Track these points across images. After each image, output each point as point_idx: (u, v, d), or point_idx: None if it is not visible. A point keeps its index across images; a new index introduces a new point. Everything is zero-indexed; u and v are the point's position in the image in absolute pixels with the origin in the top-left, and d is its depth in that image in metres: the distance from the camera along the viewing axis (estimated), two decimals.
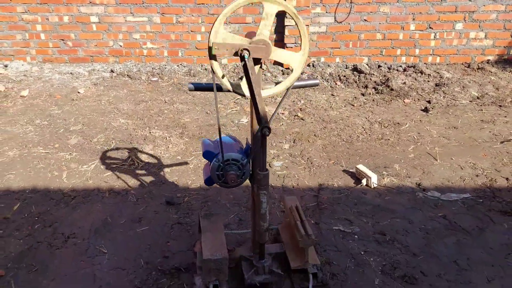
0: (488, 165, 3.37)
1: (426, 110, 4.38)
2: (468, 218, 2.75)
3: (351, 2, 5.31)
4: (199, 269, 2.26)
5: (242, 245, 2.51)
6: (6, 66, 5.41)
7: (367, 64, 5.52)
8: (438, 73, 5.22)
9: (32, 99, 4.58)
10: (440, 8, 5.40)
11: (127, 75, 5.23)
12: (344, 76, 5.21)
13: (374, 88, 4.93)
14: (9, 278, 2.28)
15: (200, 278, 2.23)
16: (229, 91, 1.86)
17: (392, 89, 4.81)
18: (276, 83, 1.92)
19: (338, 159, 3.48)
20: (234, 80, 4.94)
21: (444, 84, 4.91)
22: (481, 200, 2.94)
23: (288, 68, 5.48)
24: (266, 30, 1.74)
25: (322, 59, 5.63)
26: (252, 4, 1.73)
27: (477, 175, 3.23)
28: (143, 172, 3.28)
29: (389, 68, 5.38)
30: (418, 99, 4.64)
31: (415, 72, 5.25)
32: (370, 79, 5.10)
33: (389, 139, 3.81)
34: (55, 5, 5.31)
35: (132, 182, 3.15)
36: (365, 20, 5.43)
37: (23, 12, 5.35)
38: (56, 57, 5.60)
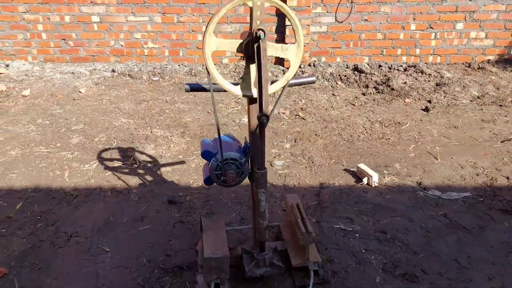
0: (488, 164, 3.38)
1: (426, 109, 4.39)
2: (468, 217, 2.76)
3: (351, 2, 5.33)
4: (200, 268, 2.27)
5: (244, 243, 2.52)
6: (7, 65, 5.43)
7: (367, 64, 5.53)
8: (438, 72, 5.23)
9: (33, 99, 4.60)
10: (441, 8, 5.42)
11: (128, 75, 5.25)
12: (345, 75, 5.23)
13: (374, 87, 4.95)
14: (12, 277, 2.30)
15: (202, 277, 2.24)
16: (223, 91, 1.87)
17: (392, 89, 4.82)
18: (272, 82, 1.93)
19: (339, 158, 3.49)
20: (235, 80, 4.97)
21: (445, 83, 4.92)
22: (482, 199, 2.95)
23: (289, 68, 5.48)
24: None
25: (323, 59, 5.64)
26: (239, 5, 1.72)
27: (477, 174, 3.24)
28: (144, 171, 3.29)
29: (389, 68, 5.40)
30: (419, 99, 4.65)
31: (416, 72, 5.26)
32: (371, 79, 5.11)
33: (389, 138, 3.82)
34: (56, 5, 5.32)
35: (134, 181, 3.16)
36: (365, 20, 5.44)
37: (24, 12, 5.36)
38: (58, 57, 5.61)
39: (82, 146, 3.64)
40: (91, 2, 5.31)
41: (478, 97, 4.66)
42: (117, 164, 3.39)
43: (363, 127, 4.03)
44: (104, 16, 5.40)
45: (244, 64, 1.83)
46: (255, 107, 1.91)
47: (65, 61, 5.64)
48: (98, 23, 5.43)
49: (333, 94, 4.82)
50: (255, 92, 1.86)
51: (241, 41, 1.75)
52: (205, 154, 1.98)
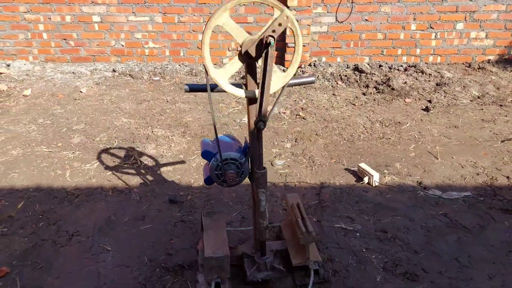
0: (488, 164, 3.39)
1: (427, 109, 4.40)
2: (469, 216, 2.77)
3: (352, 2, 5.33)
4: (201, 267, 2.28)
5: (244, 242, 2.53)
6: (8, 65, 5.44)
7: (368, 64, 5.54)
8: (439, 72, 5.23)
9: (34, 99, 4.61)
10: (441, 8, 5.42)
11: (129, 75, 5.25)
12: (345, 75, 5.23)
13: (375, 87, 4.95)
14: (14, 276, 2.30)
15: (202, 276, 2.25)
16: (222, 92, 1.88)
17: (393, 89, 4.82)
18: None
19: (340, 158, 3.50)
20: (236, 80, 4.98)
21: (445, 83, 4.93)
22: (482, 198, 2.95)
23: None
24: (239, 34, 1.76)
25: (324, 59, 5.65)
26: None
27: (477, 174, 3.25)
28: (145, 170, 3.30)
29: (390, 68, 5.40)
30: (419, 99, 4.66)
31: (416, 72, 5.26)
32: (371, 79, 5.12)
33: (390, 138, 3.83)
34: (57, 5, 5.33)
35: (135, 180, 3.17)
36: (366, 20, 5.45)
37: (25, 12, 5.37)
38: (58, 57, 5.62)
39: (83, 146, 3.64)
40: (92, 2, 5.32)
41: (478, 97, 4.67)
42: (118, 163, 3.40)
43: (364, 126, 4.04)
44: (104, 16, 5.41)
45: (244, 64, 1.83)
46: (254, 108, 1.92)
47: (66, 61, 5.65)
48: (99, 23, 5.44)
49: (333, 94, 4.82)
50: (255, 93, 1.86)
51: (247, 35, 1.75)
52: (205, 154, 1.99)
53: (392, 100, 4.64)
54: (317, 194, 3.02)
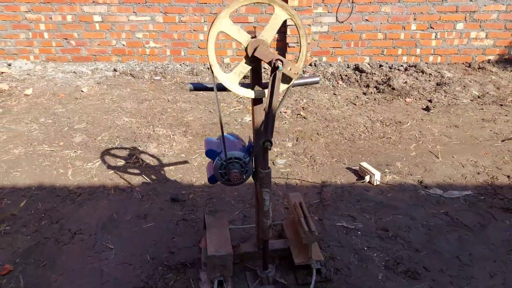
0: (489, 163, 3.40)
1: (427, 109, 4.41)
2: (470, 215, 2.79)
3: (352, 2, 5.35)
4: (204, 265, 2.29)
5: (247, 241, 2.54)
6: (9, 65, 5.45)
7: (368, 64, 5.55)
8: (439, 72, 5.25)
9: (36, 98, 4.61)
10: (441, 8, 5.44)
11: (130, 74, 5.26)
12: (346, 75, 5.25)
13: (375, 87, 4.97)
14: (18, 273, 2.31)
15: (205, 274, 2.26)
16: (227, 91, 1.88)
17: (393, 88, 4.84)
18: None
19: (341, 157, 3.51)
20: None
21: (445, 83, 4.95)
22: (483, 197, 2.97)
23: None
24: (242, 36, 1.77)
25: (324, 59, 5.66)
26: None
27: (478, 173, 3.27)
28: (147, 169, 3.31)
29: (390, 68, 5.42)
30: (420, 98, 4.68)
31: (416, 72, 5.28)
32: (372, 79, 5.13)
33: (391, 137, 3.84)
34: (58, 4, 5.34)
35: (137, 179, 3.18)
36: (366, 20, 5.46)
37: (26, 11, 5.38)
38: (59, 56, 5.63)
39: (85, 145, 3.65)
40: (93, 2, 5.33)
41: (479, 97, 4.69)
42: (120, 162, 3.41)
43: (364, 126, 4.05)
44: (105, 15, 5.41)
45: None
46: (259, 107, 1.93)
47: (67, 60, 5.66)
48: (100, 22, 5.45)
49: (334, 94, 4.84)
50: (264, 92, 1.87)
51: (249, 36, 1.76)
52: (210, 153, 2.00)
53: (392, 99, 4.66)
54: (318, 193, 3.03)
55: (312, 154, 3.54)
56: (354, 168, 3.33)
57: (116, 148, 3.62)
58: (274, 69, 1.69)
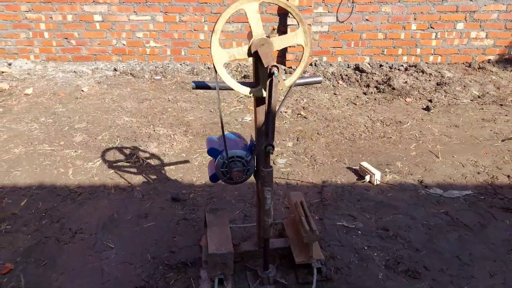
0: (489, 163, 3.40)
1: (427, 109, 4.42)
2: (470, 215, 2.79)
3: (353, 2, 5.35)
4: (205, 263, 2.30)
5: (248, 240, 2.54)
6: (10, 64, 5.45)
7: (368, 64, 5.56)
8: (439, 72, 5.25)
9: (36, 97, 4.61)
10: (441, 8, 5.44)
11: (130, 74, 5.27)
12: (346, 75, 5.25)
13: (375, 87, 4.97)
14: (19, 272, 2.32)
15: (205, 272, 2.27)
16: (230, 89, 1.89)
17: (393, 88, 4.84)
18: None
19: (341, 157, 3.52)
20: (237, 79, 4.99)
21: (445, 83, 4.95)
22: (483, 197, 2.97)
23: (291, 67, 5.51)
24: (259, 28, 1.76)
25: (324, 59, 5.66)
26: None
27: (478, 173, 3.27)
28: (148, 169, 3.31)
29: (390, 68, 5.42)
30: (420, 98, 4.68)
31: (417, 72, 5.28)
32: (372, 78, 5.13)
33: (391, 137, 3.84)
34: (58, 4, 5.34)
35: (137, 179, 3.18)
36: (367, 19, 5.47)
37: (27, 11, 5.38)
38: (60, 56, 5.63)
39: (86, 144, 3.66)
40: (94, 1, 5.33)
41: (479, 97, 4.69)
42: (120, 162, 3.41)
43: (365, 126, 4.06)
44: (106, 15, 5.42)
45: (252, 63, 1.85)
46: (262, 108, 1.93)
47: (67, 60, 5.66)
48: (100, 22, 5.45)
49: (334, 94, 4.84)
50: (263, 92, 1.87)
51: (261, 34, 1.76)
52: (212, 152, 2.00)
53: (392, 99, 4.66)
54: (319, 192, 3.04)
55: (313, 154, 3.54)
56: (354, 167, 3.34)
57: (117, 147, 3.62)
58: (270, 75, 1.71)
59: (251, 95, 1.87)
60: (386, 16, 5.45)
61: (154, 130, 3.91)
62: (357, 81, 5.14)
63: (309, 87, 4.99)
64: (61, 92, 4.74)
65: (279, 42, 1.79)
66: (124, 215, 2.79)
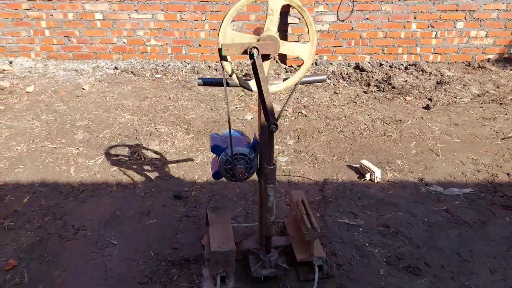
0: (489, 161, 3.42)
1: (427, 107, 4.43)
2: (470, 212, 2.81)
3: (353, 1, 5.36)
4: (207, 261, 2.31)
5: (249, 237, 2.56)
6: (11, 62, 5.45)
7: (369, 62, 5.57)
8: (439, 71, 5.27)
9: (37, 95, 4.62)
10: (441, 7, 5.46)
11: (131, 72, 5.28)
12: (347, 74, 5.27)
13: (376, 86, 4.99)
14: (22, 268, 2.33)
15: (207, 270, 2.28)
16: (237, 86, 1.91)
17: (393, 87, 4.86)
18: (285, 79, 1.96)
19: (342, 155, 3.53)
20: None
21: (445, 82, 4.97)
22: (483, 195, 2.99)
23: (292, 66, 5.53)
24: (272, 26, 1.78)
25: (325, 57, 5.68)
26: (256, 1, 1.78)
27: (478, 171, 3.29)
28: (149, 166, 3.32)
29: (390, 66, 5.44)
30: (420, 97, 4.70)
31: (417, 70, 5.30)
32: (372, 77, 5.15)
33: (391, 135, 3.86)
34: (59, 2, 5.34)
35: (139, 176, 3.19)
36: (367, 18, 5.48)
37: (28, 9, 5.38)
38: (61, 54, 5.64)
39: (87, 142, 3.67)
40: (94, 0, 5.34)
41: (478, 95, 4.71)
42: (122, 159, 3.42)
43: (365, 124, 4.07)
44: (107, 13, 5.42)
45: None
46: None
47: (68, 58, 5.66)
48: (101, 20, 5.46)
49: (335, 92, 4.86)
50: (270, 88, 1.89)
51: (256, 37, 1.78)
52: (215, 149, 2.02)
53: (393, 98, 4.68)
54: (320, 190, 3.05)
55: (314, 152, 3.56)
56: (355, 165, 3.36)
57: (118, 145, 3.63)
58: (251, 57, 1.74)
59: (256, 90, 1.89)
60: (387, 15, 5.46)
61: (156, 128, 3.92)
62: (358, 79, 5.16)
63: (309, 85, 5.01)
64: (62, 90, 4.75)
65: (286, 48, 1.82)
66: (126, 212, 2.80)
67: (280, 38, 1.83)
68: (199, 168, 3.32)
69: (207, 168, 3.30)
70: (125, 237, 2.58)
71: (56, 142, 3.66)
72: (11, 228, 2.63)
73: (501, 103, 4.54)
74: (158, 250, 2.47)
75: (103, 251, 2.47)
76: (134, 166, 3.32)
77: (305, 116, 4.23)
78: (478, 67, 5.50)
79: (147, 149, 3.57)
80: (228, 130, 1.99)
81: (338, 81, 5.16)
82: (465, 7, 5.46)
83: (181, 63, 5.58)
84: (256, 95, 1.95)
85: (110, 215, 2.77)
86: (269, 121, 1.73)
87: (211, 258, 2.14)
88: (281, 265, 2.26)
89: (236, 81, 1.86)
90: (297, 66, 5.50)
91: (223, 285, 2.17)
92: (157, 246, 2.51)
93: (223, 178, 2.06)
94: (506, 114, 4.29)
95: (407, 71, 5.31)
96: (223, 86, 1.90)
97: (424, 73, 5.23)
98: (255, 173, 2.07)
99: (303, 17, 1.80)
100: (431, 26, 5.56)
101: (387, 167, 3.33)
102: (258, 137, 2.05)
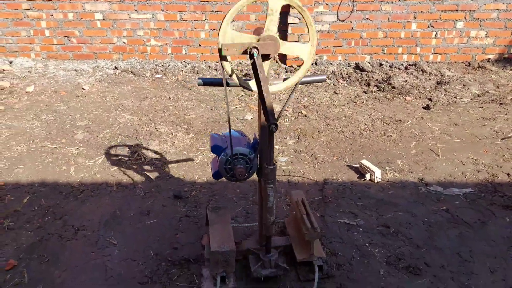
0: (489, 161, 3.42)
1: (427, 107, 4.43)
2: (470, 212, 2.81)
3: (353, 1, 5.36)
4: (207, 261, 2.31)
5: (249, 237, 2.56)
6: (11, 62, 5.45)
7: (369, 63, 5.57)
8: (439, 71, 5.27)
9: (37, 95, 4.62)
10: (441, 7, 5.46)
11: (131, 72, 5.28)
12: (347, 74, 5.27)
13: (376, 86, 4.99)
14: (22, 268, 2.33)
15: (207, 270, 2.28)
16: (237, 86, 1.91)
17: (393, 87, 4.86)
18: (285, 79, 1.96)
19: (342, 155, 3.53)
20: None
21: (445, 82, 4.97)
22: (483, 195, 2.99)
23: (292, 66, 5.53)
24: (272, 26, 1.78)
25: (325, 57, 5.68)
26: (256, 1, 1.78)
27: (478, 171, 3.29)
28: (149, 166, 3.32)
29: (390, 66, 5.44)
30: (420, 97, 4.70)
31: (416, 71, 5.30)
32: (372, 77, 5.15)
33: (391, 135, 3.86)
34: (59, 2, 5.34)
35: (139, 176, 3.19)
36: (367, 18, 5.48)
37: (28, 9, 5.38)
38: (60, 54, 5.64)
39: (87, 142, 3.67)
40: (95, 0, 5.34)
41: (478, 95, 4.71)
42: (122, 159, 3.42)
43: (365, 124, 4.07)
44: (107, 13, 5.42)
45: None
46: None
47: (68, 58, 5.66)
48: (101, 20, 5.46)
49: (335, 92, 4.86)
50: (270, 88, 1.89)
51: (256, 37, 1.78)
52: (215, 149, 2.02)
53: (393, 98, 4.68)
54: (320, 190, 3.05)
55: (314, 152, 3.56)
56: (355, 165, 3.36)
57: (118, 145, 3.63)
58: (251, 57, 1.74)
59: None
60: (387, 15, 5.46)
61: (156, 128, 3.92)
62: (358, 80, 5.16)
63: (309, 86, 5.01)
64: (62, 90, 4.75)
65: (286, 48, 1.82)
66: (126, 212, 2.80)
67: (280, 38, 1.82)
68: (199, 168, 3.32)
69: (207, 168, 3.30)
70: (125, 237, 2.58)
71: (56, 142, 3.66)
72: (11, 228, 2.63)
73: (501, 103, 4.54)
74: (158, 250, 2.47)
75: (103, 251, 2.47)
76: (134, 166, 3.32)
77: (305, 116, 4.23)
78: (478, 67, 5.50)
79: (147, 149, 3.57)
80: (228, 130, 1.99)
81: (338, 81, 5.16)
82: (465, 7, 5.46)
83: (181, 63, 5.58)
84: (256, 95, 1.95)
85: (110, 215, 2.77)
86: (269, 121, 1.73)
87: (211, 258, 2.14)
88: (281, 265, 2.26)
89: (236, 81, 1.86)
90: (297, 66, 5.50)
91: (223, 285, 2.17)
92: (157, 246, 2.51)
93: (223, 178, 2.06)
94: (506, 114, 4.29)
95: (407, 71, 5.31)
96: (223, 86, 1.90)
97: (424, 73, 5.23)
98: (255, 173, 2.07)
99: (303, 17, 1.80)
100: (431, 26, 5.56)
101: (387, 167, 3.33)
102: (258, 137, 2.05)
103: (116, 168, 3.30)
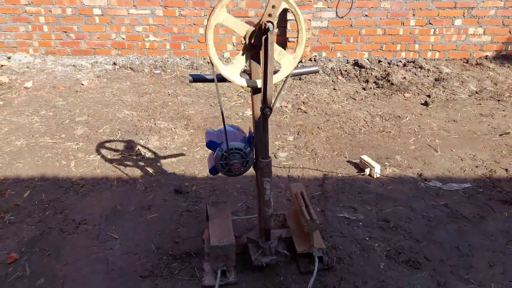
0: (487, 157, 3.45)
1: (426, 104, 4.45)
2: (469, 207, 2.83)
3: None
4: (207, 256, 2.32)
5: (249, 231, 2.57)
6: (9, 58, 5.44)
7: (367, 59, 5.58)
8: (437, 68, 5.29)
9: (36, 91, 4.61)
10: (440, 4, 5.47)
11: (130, 68, 5.27)
12: (345, 70, 5.28)
13: (374, 82, 5.00)
14: (24, 262, 2.33)
15: (208, 264, 2.29)
16: (228, 82, 1.89)
17: (392, 84, 4.88)
18: (275, 72, 1.95)
19: (342, 151, 3.55)
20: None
21: (444, 79, 4.99)
22: (481, 190, 3.01)
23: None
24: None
25: (324, 54, 5.69)
26: None
27: (477, 166, 3.31)
28: (149, 162, 3.33)
29: (389, 63, 5.45)
30: (418, 94, 4.72)
31: (415, 67, 5.32)
32: (371, 74, 5.16)
33: (390, 131, 3.88)
34: None
35: (140, 171, 3.20)
36: (366, 15, 5.49)
37: (26, 4, 5.36)
38: (59, 49, 5.62)
39: (87, 137, 3.67)
40: None
41: (476, 92, 4.74)
42: (122, 154, 3.42)
43: (364, 120, 4.09)
44: (105, 8, 5.41)
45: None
46: (259, 97, 1.95)
47: (66, 53, 5.65)
48: (100, 15, 5.45)
49: (334, 89, 4.87)
50: (259, 83, 1.89)
51: (248, 27, 1.76)
52: (210, 144, 2.02)
53: (391, 94, 4.69)
54: (320, 185, 3.07)
55: (313, 148, 3.57)
56: (354, 161, 3.37)
57: (118, 140, 3.63)
58: (265, 31, 1.64)
59: (247, 85, 1.89)
60: (385, 12, 5.48)
61: (155, 124, 3.92)
62: (356, 76, 5.17)
63: (308, 82, 5.02)
64: (60, 86, 4.74)
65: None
66: (127, 206, 2.81)
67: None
68: (199, 163, 3.32)
69: (207, 163, 3.30)
70: (126, 231, 2.58)
71: (56, 137, 3.65)
72: (12, 222, 2.63)
73: (498, 100, 4.56)
74: (160, 244, 2.48)
75: (105, 245, 2.47)
76: (134, 161, 3.32)
77: (305, 112, 4.24)
78: (476, 64, 5.53)
79: (146, 144, 3.57)
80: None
81: (337, 78, 5.17)
82: (463, 4, 5.48)
83: (180, 59, 5.57)
84: None
85: (111, 209, 2.78)
86: (264, 104, 1.73)
87: (211, 252, 2.15)
88: (281, 251, 2.26)
89: (234, 81, 1.85)
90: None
91: (224, 279, 2.18)
92: (159, 240, 2.51)
93: (220, 173, 2.06)
94: (503, 110, 4.32)
95: (405, 67, 5.33)
96: (213, 82, 1.88)
97: (423, 70, 5.25)
98: (252, 167, 2.07)
99: (297, 22, 1.78)
100: (430, 23, 5.58)
101: (386, 163, 3.35)
102: (253, 131, 2.06)
103: (116, 163, 3.30)
